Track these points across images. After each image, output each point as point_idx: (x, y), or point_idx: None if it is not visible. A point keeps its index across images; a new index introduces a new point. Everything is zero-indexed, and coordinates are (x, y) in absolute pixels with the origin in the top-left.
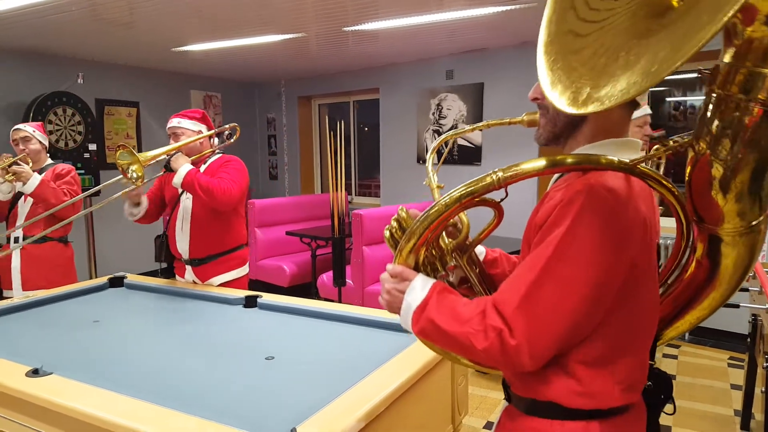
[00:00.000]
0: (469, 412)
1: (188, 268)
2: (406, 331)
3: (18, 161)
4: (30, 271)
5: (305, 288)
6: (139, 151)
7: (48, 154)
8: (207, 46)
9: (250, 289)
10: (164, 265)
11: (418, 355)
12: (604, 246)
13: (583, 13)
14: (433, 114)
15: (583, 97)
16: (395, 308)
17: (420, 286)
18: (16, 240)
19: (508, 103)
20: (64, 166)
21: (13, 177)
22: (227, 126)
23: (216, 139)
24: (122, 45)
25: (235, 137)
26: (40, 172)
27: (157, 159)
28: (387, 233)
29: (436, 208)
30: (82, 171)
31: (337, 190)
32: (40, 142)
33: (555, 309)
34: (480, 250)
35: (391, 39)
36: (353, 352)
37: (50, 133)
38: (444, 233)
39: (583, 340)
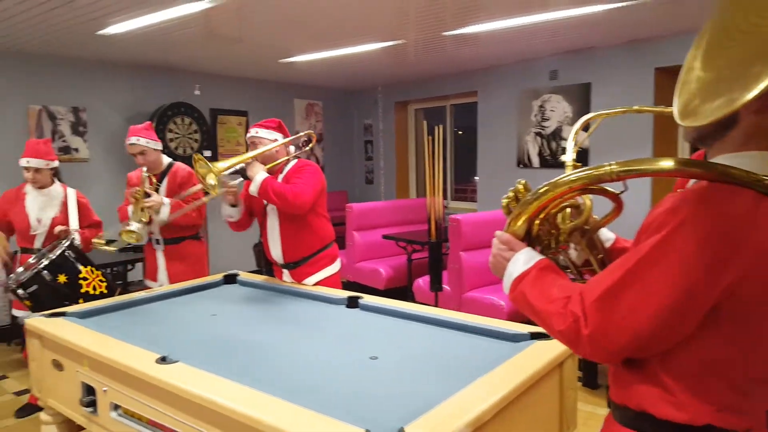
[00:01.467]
0: (577, 427)
1: (285, 271)
2: (510, 340)
3: (146, 191)
4: (173, 266)
5: (401, 291)
6: None
7: (163, 154)
8: (311, 57)
9: (346, 290)
10: (265, 267)
11: (526, 364)
12: (696, 263)
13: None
14: (536, 116)
15: (690, 108)
16: (499, 272)
17: (523, 260)
18: (158, 241)
19: (618, 103)
20: (183, 172)
21: (148, 214)
22: (302, 133)
23: (292, 147)
24: (234, 58)
25: (311, 144)
26: (161, 177)
27: (234, 168)
28: (504, 201)
29: (546, 187)
30: None
31: (434, 194)
32: (154, 149)
33: (632, 310)
34: (608, 237)
35: (491, 41)
36: (456, 357)
37: (170, 140)
38: (564, 214)
39: (673, 350)
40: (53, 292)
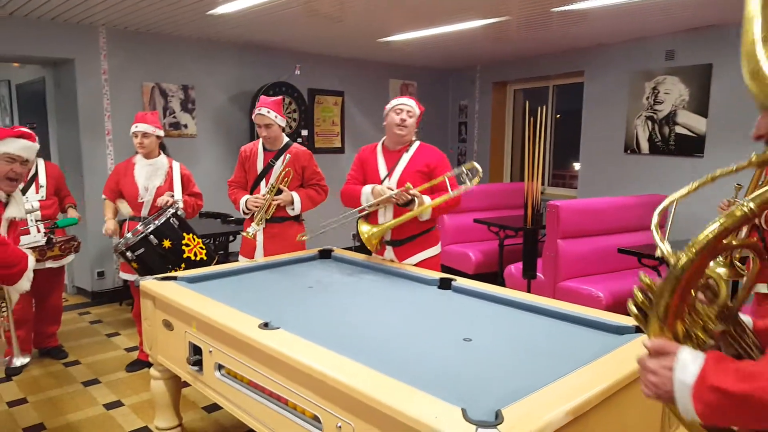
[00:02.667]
0: (679, 427)
1: (389, 248)
2: (614, 332)
3: (279, 186)
4: (271, 246)
5: (490, 277)
6: (342, 134)
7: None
8: (409, 36)
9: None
10: (358, 243)
11: (629, 357)
12: None
13: None
14: (647, 98)
15: None
16: (664, 391)
17: (691, 358)
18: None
19: (742, 86)
20: (305, 154)
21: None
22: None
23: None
24: (333, 37)
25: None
26: (278, 154)
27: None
28: (632, 307)
29: (685, 258)
30: None
31: (532, 179)
32: (279, 125)
33: None
34: (746, 319)
35: (600, 18)
36: (555, 345)
37: None
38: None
39: None
40: (158, 255)
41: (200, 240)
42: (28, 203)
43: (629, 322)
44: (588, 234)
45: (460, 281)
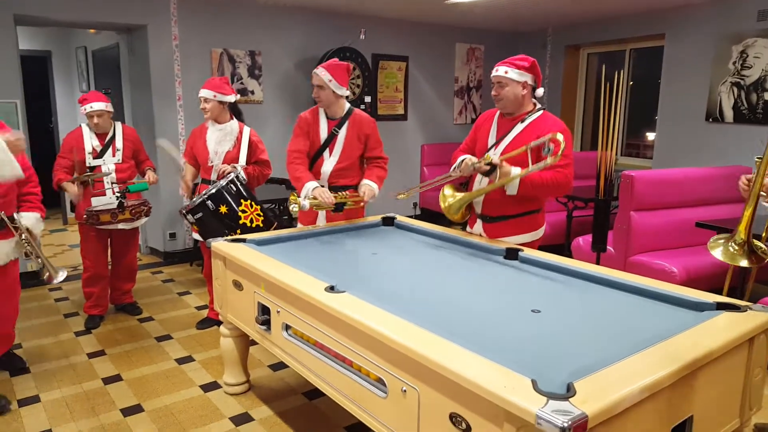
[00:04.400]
0: (762, 408)
1: (479, 222)
2: (693, 308)
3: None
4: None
5: (556, 249)
6: (405, 101)
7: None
8: None
9: None
10: (419, 212)
11: (712, 335)
12: None
13: None
14: (734, 63)
15: None
16: None
17: None
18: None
19: None
20: (368, 122)
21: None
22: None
23: (540, 91)
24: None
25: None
26: (341, 122)
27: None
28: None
29: None
30: None
31: (607, 148)
32: (333, 90)
33: None
34: None
35: None
36: (628, 320)
37: None
38: None
39: None
40: (216, 220)
41: (258, 207)
42: (105, 166)
43: (709, 298)
44: (664, 206)
45: (527, 252)
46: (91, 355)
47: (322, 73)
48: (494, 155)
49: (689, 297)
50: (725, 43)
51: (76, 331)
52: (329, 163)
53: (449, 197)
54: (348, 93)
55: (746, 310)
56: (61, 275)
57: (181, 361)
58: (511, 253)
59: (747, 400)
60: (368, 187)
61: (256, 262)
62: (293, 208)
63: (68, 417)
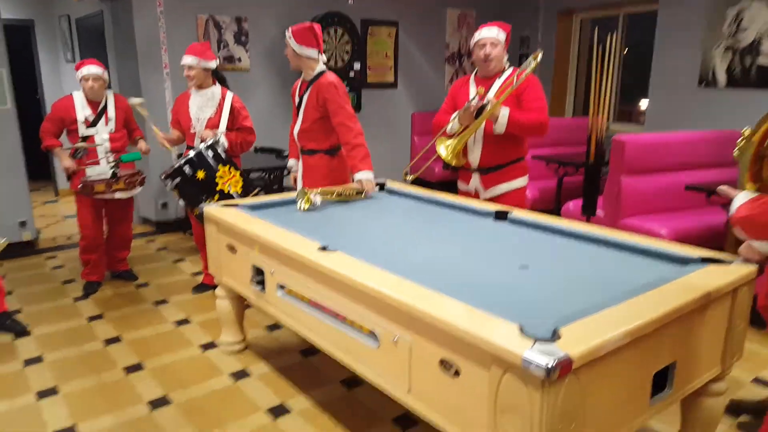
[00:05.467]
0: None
1: (475, 176)
2: (678, 262)
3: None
4: (306, 177)
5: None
6: (394, 68)
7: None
8: None
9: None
10: (410, 177)
11: (696, 285)
12: None
13: None
14: (729, 26)
15: None
16: None
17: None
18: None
19: None
20: (326, 86)
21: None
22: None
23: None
24: None
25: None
26: (308, 86)
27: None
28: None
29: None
30: (348, 88)
31: (598, 113)
32: (297, 53)
33: None
34: None
35: None
36: (615, 273)
37: (325, 51)
38: None
39: None
40: (193, 185)
41: (238, 173)
42: (99, 135)
43: (694, 252)
44: (654, 170)
45: (516, 213)
46: (90, 319)
47: (287, 33)
48: (501, 121)
49: (675, 252)
50: (720, 6)
51: (74, 297)
52: (297, 125)
53: (448, 142)
54: (314, 55)
55: (730, 263)
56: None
57: (179, 323)
58: (501, 215)
59: (729, 349)
60: (364, 181)
61: (249, 226)
62: (302, 204)
63: (72, 375)
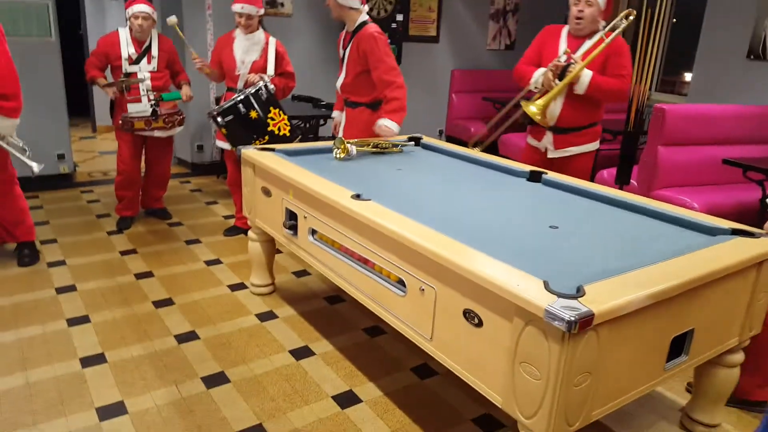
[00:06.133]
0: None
1: (548, 134)
2: (707, 233)
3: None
4: (348, 129)
5: None
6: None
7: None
8: None
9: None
10: (444, 140)
11: (722, 255)
12: None
13: None
14: None
15: None
16: None
17: None
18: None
19: None
20: (367, 38)
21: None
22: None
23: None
24: None
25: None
26: (351, 37)
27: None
28: None
29: None
30: (390, 41)
31: (641, 80)
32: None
33: None
34: None
35: None
36: (644, 239)
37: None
38: None
39: None
40: (245, 124)
41: (286, 117)
42: (141, 73)
43: (726, 224)
44: (693, 142)
45: (551, 175)
46: (123, 253)
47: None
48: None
49: (705, 222)
50: None
51: (108, 231)
52: (340, 78)
53: (537, 102)
54: (356, 4)
55: (759, 237)
56: (36, 167)
57: (210, 263)
58: (535, 175)
59: (748, 321)
60: (382, 128)
61: (285, 170)
62: (338, 153)
63: (103, 305)
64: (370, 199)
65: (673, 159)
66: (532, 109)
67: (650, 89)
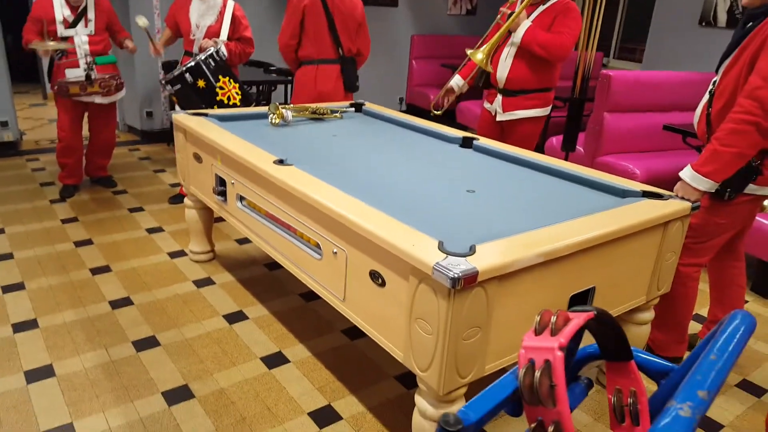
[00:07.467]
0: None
1: (499, 97)
2: (618, 195)
3: None
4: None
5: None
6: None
7: None
8: None
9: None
10: (404, 107)
11: (622, 216)
12: None
13: None
14: None
15: None
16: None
17: None
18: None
19: None
20: None
21: None
22: None
23: None
24: None
25: None
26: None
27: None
28: None
29: None
30: None
31: (588, 48)
32: None
33: None
34: None
35: None
36: (556, 202)
37: None
38: None
39: None
40: (194, 93)
41: (237, 85)
42: (77, 37)
43: (637, 187)
44: (637, 109)
45: (482, 141)
46: (64, 221)
47: None
48: (514, 37)
49: (617, 184)
50: None
51: (51, 199)
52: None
53: (479, 52)
54: None
55: (668, 200)
56: None
57: (152, 231)
58: (467, 141)
59: (656, 280)
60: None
61: (213, 135)
62: (273, 119)
63: (40, 272)
64: (292, 165)
65: (618, 125)
66: (479, 56)
67: (609, 56)
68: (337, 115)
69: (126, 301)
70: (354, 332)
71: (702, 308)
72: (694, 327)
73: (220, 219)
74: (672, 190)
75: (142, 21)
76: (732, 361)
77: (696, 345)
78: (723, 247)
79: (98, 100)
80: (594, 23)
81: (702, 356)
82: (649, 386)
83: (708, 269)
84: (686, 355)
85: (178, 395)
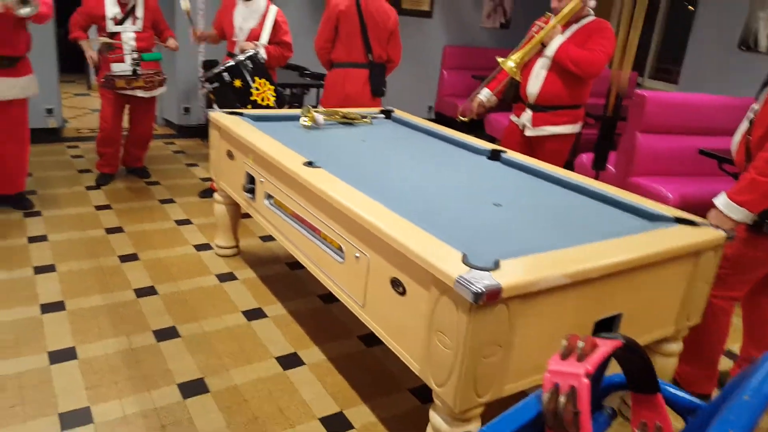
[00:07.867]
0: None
1: (528, 112)
2: (648, 218)
3: None
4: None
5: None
6: None
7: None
8: None
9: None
10: (433, 116)
11: (652, 242)
12: None
13: None
14: None
15: None
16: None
17: None
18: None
19: None
20: None
21: None
22: None
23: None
24: None
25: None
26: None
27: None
28: None
29: None
30: None
31: (622, 65)
32: None
33: None
34: None
35: None
36: (583, 221)
37: None
38: None
39: None
40: (230, 93)
41: (273, 87)
42: (125, 34)
43: (670, 212)
44: (672, 131)
45: (510, 154)
46: (98, 208)
47: None
48: (546, 52)
49: (649, 208)
50: None
51: (87, 186)
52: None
53: (510, 60)
54: None
55: (701, 227)
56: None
57: (180, 222)
58: (495, 154)
59: (686, 311)
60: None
61: (246, 134)
62: (304, 121)
63: (71, 256)
64: (321, 167)
65: (651, 146)
66: (510, 64)
67: (643, 76)
68: (367, 120)
69: (150, 290)
70: (371, 339)
71: (734, 344)
72: (725, 363)
73: (246, 215)
74: (705, 217)
75: (185, 4)
76: (766, 403)
77: (726, 383)
78: (760, 282)
79: (140, 93)
80: (628, 41)
81: (735, 395)
82: (675, 423)
83: (742, 304)
84: (715, 392)
85: (193, 388)
